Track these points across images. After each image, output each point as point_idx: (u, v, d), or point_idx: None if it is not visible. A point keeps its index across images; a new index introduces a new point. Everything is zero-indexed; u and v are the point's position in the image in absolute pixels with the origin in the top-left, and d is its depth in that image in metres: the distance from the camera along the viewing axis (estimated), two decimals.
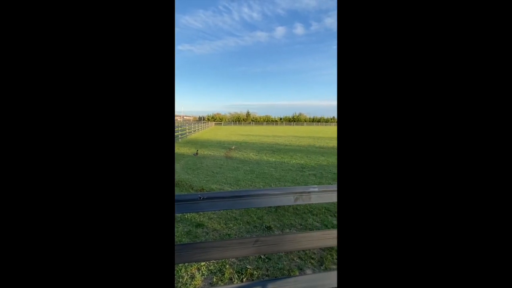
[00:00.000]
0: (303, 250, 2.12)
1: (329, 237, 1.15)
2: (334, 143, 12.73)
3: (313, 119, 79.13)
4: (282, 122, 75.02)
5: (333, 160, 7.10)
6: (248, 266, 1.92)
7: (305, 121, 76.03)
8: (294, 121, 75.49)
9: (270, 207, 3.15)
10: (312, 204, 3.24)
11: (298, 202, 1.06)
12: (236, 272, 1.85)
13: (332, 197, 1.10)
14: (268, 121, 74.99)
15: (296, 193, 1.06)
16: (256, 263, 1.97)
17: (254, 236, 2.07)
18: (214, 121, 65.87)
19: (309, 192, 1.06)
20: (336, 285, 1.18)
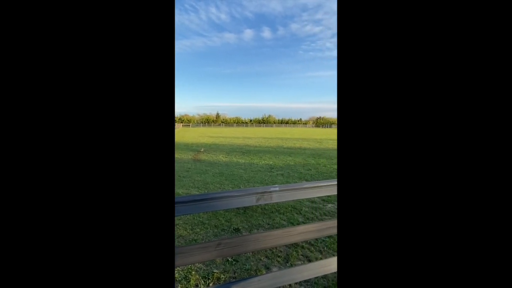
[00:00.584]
0: (270, 249, 2.17)
1: (293, 234, 1.19)
2: (301, 143, 13.31)
3: (282, 120, 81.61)
4: (252, 123, 75.68)
5: (300, 159, 7.43)
6: (215, 270, 1.88)
7: (274, 123, 77.96)
8: (264, 123, 76.83)
9: (238, 208, 3.15)
10: (280, 203, 3.33)
11: (260, 202, 1.08)
12: (202, 278, 1.80)
13: (294, 195, 1.15)
14: (238, 122, 74.94)
15: (258, 193, 1.08)
16: (224, 266, 1.95)
17: (217, 239, 2.05)
18: (182, 122, 63.22)
19: (270, 192, 1.09)
20: (296, 280, 1.23)
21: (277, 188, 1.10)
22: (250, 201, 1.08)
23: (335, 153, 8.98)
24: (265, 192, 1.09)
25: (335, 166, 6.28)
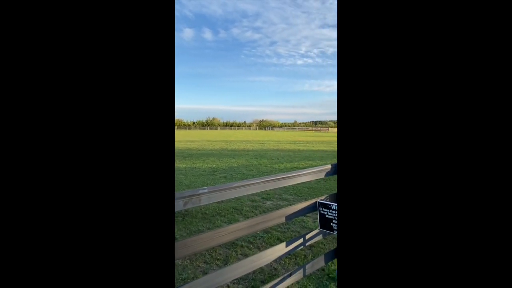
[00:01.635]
0: (208, 253, 2.12)
1: (223, 234, 1.20)
2: (244, 145, 13.62)
3: (226, 123, 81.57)
4: (195, 126, 72.63)
5: (243, 161, 7.59)
6: None
7: (219, 125, 77.13)
8: (208, 125, 74.96)
9: (176, 215, 2.95)
10: (221, 205, 3.31)
11: (188, 206, 1.05)
12: None
13: (223, 196, 1.16)
14: (180, 125, 70.60)
15: (185, 197, 1.04)
16: None
17: None
18: None
19: (198, 195, 1.07)
20: (230, 279, 1.25)
21: (206, 190, 1.09)
22: (177, 206, 1.03)
23: (276, 154, 9.58)
24: (193, 195, 1.06)
25: (275, 166, 6.70)
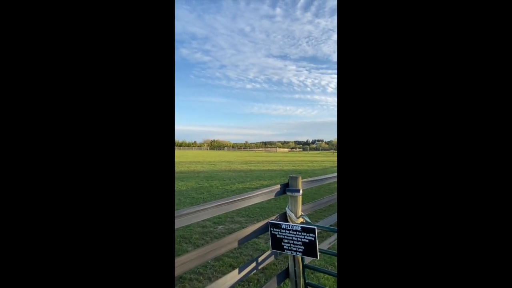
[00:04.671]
0: None
1: None
2: (194, 166, 12.99)
3: (175, 143, 76.98)
4: None
5: (193, 184, 7.17)
6: None
7: None
8: None
9: None
10: None
11: None
12: None
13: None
14: None
15: None
16: None
17: None
18: None
19: None
20: None
21: None
22: None
23: (228, 175, 9.45)
24: None
25: (227, 187, 6.57)
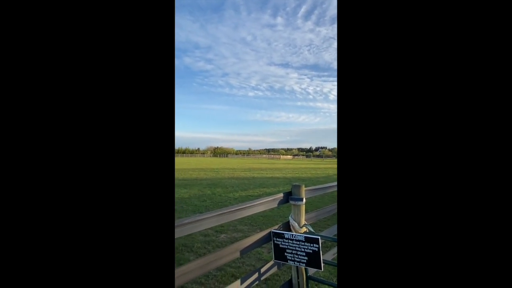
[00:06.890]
0: None
1: None
2: (197, 174, 13.00)
3: (179, 150, 77.38)
4: None
5: (195, 191, 7.16)
6: None
7: None
8: None
9: None
10: None
11: None
12: None
13: None
14: None
15: None
16: None
17: None
18: None
19: None
20: None
21: None
22: None
23: (231, 182, 9.41)
24: None
25: (230, 195, 6.53)
